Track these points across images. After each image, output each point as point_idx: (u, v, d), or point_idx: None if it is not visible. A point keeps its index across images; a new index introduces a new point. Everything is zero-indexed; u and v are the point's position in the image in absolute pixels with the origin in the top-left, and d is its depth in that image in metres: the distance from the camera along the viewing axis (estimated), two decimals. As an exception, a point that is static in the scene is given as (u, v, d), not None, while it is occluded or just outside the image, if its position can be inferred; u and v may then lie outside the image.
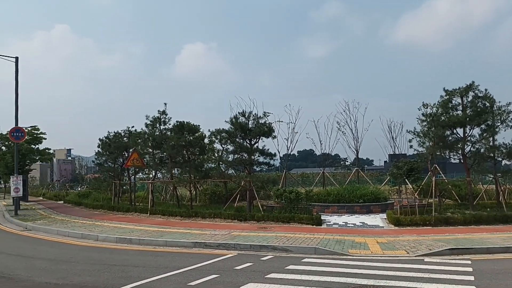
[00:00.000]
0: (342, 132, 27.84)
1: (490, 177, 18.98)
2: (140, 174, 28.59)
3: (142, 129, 23.40)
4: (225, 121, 19.44)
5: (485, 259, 9.92)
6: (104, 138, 26.18)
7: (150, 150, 23.11)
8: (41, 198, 43.81)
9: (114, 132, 25.89)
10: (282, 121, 24.08)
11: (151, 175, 25.01)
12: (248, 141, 19.27)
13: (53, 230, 16.08)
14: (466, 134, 17.42)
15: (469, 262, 9.49)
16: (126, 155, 24.56)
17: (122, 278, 8.06)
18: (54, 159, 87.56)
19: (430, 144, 17.73)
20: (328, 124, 28.51)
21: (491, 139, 17.62)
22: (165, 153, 22.11)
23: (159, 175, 25.68)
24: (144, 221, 18.04)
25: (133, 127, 25.21)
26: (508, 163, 23.45)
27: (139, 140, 23.71)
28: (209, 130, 21.04)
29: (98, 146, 26.61)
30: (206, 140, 22.09)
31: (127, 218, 19.70)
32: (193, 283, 7.56)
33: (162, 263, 9.68)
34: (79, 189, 48.13)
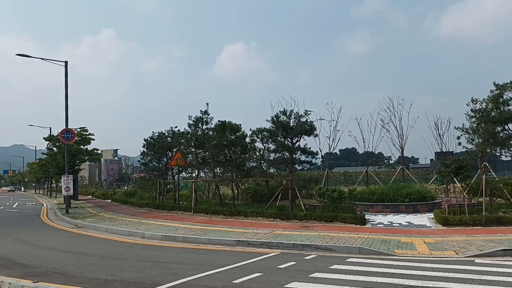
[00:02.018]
0: (386, 129, 27.09)
1: (546, 175, 17.98)
2: (184, 173, 29.11)
3: (185, 129, 23.85)
4: (266, 120, 19.45)
5: (542, 261, 9.41)
6: (148, 138, 26.84)
7: (193, 149, 23.48)
8: (90, 196, 45.57)
9: (158, 132, 26.51)
10: (323, 119, 23.73)
11: (194, 174, 25.45)
12: (289, 140, 19.19)
13: (102, 228, 16.67)
14: (519, 130, 16.59)
15: (524, 264, 9.03)
16: (170, 154, 25.08)
17: (168, 275, 8.24)
18: (102, 159, 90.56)
19: (480, 140, 17.03)
20: (371, 121, 27.89)
21: (546, 135, 16.70)
22: (207, 153, 22.41)
23: (201, 174, 26.05)
24: (187, 219, 18.37)
25: (176, 127, 25.74)
26: None
27: (182, 140, 24.16)
28: (250, 129, 21.10)
29: (143, 146, 27.31)
30: (247, 139, 22.20)
31: (171, 216, 20.14)
32: (237, 281, 7.62)
33: (206, 261, 9.82)
34: (126, 188, 49.62)
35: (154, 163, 27.25)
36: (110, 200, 35.05)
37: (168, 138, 25.92)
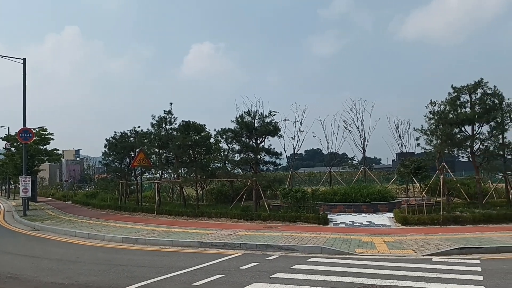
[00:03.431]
0: (349, 131, 27.62)
1: (500, 175, 18.77)
2: (147, 174, 28.65)
3: (148, 129, 23.46)
4: (231, 120, 19.42)
5: (495, 259, 9.77)
6: (110, 139, 26.25)
7: (157, 150, 23.14)
8: (50, 198, 44.13)
9: (121, 132, 25.99)
10: (288, 120, 23.96)
11: (157, 175, 25.05)
12: (254, 140, 19.21)
13: (60, 230, 16.15)
14: (475, 132, 17.23)
15: (478, 261, 9.35)
16: (133, 155, 24.61)
17: (127, 278, 8.04)
18: (63, 160, 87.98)
19: (438, 142, 17.56)
20: (334, 123, 28.30)
21: (500, 136, 17.42)
22: (171, 153, 22.13)
23: (165, 175, 25.70)
24: (150, 221, 18.05)
25: (139, 127, 25.29)
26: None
27: (145, 140, 23.75)
28: (215, 130, 21.00)
29: (105, 147, 26.69)
30: (212, 140, 22.05)
31: (133, 218, 19.74)
32: (198, 283, 7.52)
33: (167, 263, 9.65)
34: (87, 189, 48.40)
35: (116, 163, 26.68)
36: (70, 202, 34.06)
37: (131, 139, 25.43)
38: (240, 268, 8.87)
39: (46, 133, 35.38)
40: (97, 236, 14.34)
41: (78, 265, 9.61)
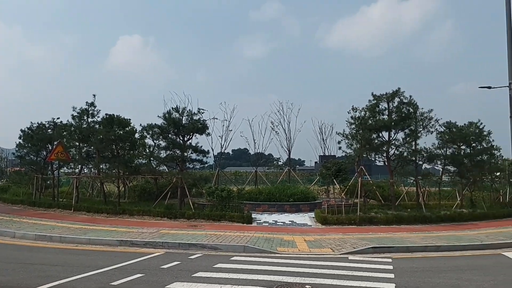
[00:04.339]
0: (276, 132, 28.22)
1: (412, 179, 20.16)
2: (65, 168, 27.09)
3: (68, 121, 22.20)
4: (158, 116, 19.00)
5: (405, 258, 10.48)
6: (26, 129, 24.48)
7: (77, 143, 21.96)
8: (-48, 192, 40.20)
9: (38, 123, 24.32)
10: (217, 119, 23.89)
11: (77, 170, 23.82)
12: (181, 138, 18.95)
13: (-38, 227, 14.77)
14: (391, 138, 18.34)
15: (390, 260, 9.97)
16: (50, 148, 23.17)
17: (39, 278, 7.54)
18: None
19: (358, 146, 18.47)
20: (262, 123, 28.81)
21: (413, 143, 18.71)
22: (92, 147, 21.13)
23: (85, 170, 24.52)
24: (67, 218, 17.12)
25: (58, 118, 23.83)
26: (428, 166, 25.09)
27: (64, 133, 22.43)
28: (141, 125, 20.38)
29: (20, 138, 24.84)
30: (137, 135, 21.37)
31: (49, 214, 18.58)
32: (115, 283, 7.25)
33: (84, 262, 9.21)
34: (-2, 182, 44.79)
35: (32, 156, 24.96)
36: (-24, 196, 31.28)
37: (49, 130, 23.92)
38: (161, 267, 8.70)
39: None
40: (7, 232, 13.31)
41: (-17, 265, 8.86)
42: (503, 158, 22.87)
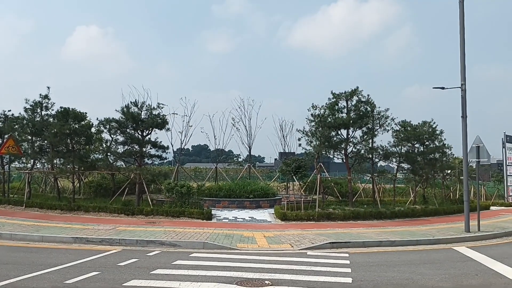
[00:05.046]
0: (237, 128, 28.20)
1: (368, 176, 20.66)
2: (17, 163, 25.92)
3: (20, 114, 21.23)
4: (116, 110, 18.52)
5: (361, 252, 10.74)
6: (-27, 122, 23.23)
7: (29, 137, 21.04)
8: None
9: (-14, 116, 23.11)
10: (177, 114, 23.61)
11: (29, 165, 22.85)
12: (140, 133, 18.56)
13: None
14: (349, 136, 18.71)
15: (347, 255, 10.19)
16: (1, 141, 22.09)
17: (-14, 278, 7.18)
18: None
19: (317, 143, 18.71)
20: (223, 119, 28.56)
21: (370, 141, 19.17)
22: (46, 141, 20.31)
23: (38, 164, 23.56)
24: (18, 215, 16.39)
25: (9, 110, 22.70)
26: (383, 164, 25.87)
27: (16, 126, 21.44)
28: (97, 119, 19.78)
29: (-34, 130, 23.55)
30: (93, 129, 20.73)
31: (-3, 211, 17.74)
32: (70, 281, 7.01)
33: (36, 260, 8.85)
34: None
35: (-21, 150, 23.72)
36: None
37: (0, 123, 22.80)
38: (118, 264, 8.50)
39: None
40: (-50, 231, 12.59)
41: None
42: (454, 156, 23.90)
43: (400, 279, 7.66)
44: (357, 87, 18.43)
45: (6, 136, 21.03)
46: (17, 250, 10.23)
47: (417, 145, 20.93)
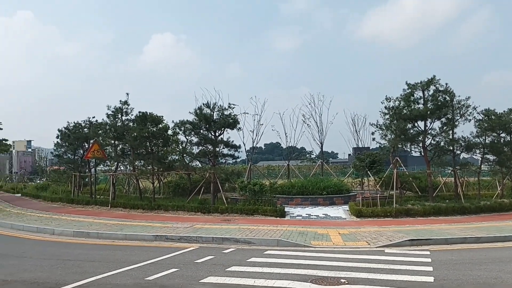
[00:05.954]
0: (307, 125, 28.00)
1: (449, 169, 19.49)
2: (102, 166, 27.77)
3: (103, 119, 22.74)
4: (189, 112, 19.14)
5: (444, 250, 10.13)
6: (63, 129, 25.27)
7: (112, 141, 22.46)
8: (-2, 190, 42.04)
9: (74, 122, 25.04)
10: (247, 113, 23.94)
11: (113, 167, 24.37)
12: (212, 133, 19.02)
13: (6, 224, 15.37)
14: (427, 127, 17.78)
15: (428, 252, 9.66)
16: (87, 146, 23.81)
17: (76, 274, 7.72)
18: (13, 151, 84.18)
19: (392, 137, 17.98)
20: (293, 117, 28.48)
21: (450, 132, 18.06)
22: (127, 145, 21.56)
23: (121, 167, 25.05)
24: (104, 214, 17.54)
25: (94, 117, 24.44)
26: (466, 156, 24.26)
27: (100, 131, 22.99)
28: (173, 122, 20.60)
29: (57, 137, 25.70)
30: (169, 132, 21.65)
31: (86, 211, 19.11)
32: (151, 278, 7.33)
33: (120, 257, 9.37)
34: (39, 181, 46.48)
35: (69, 155, 25.76)
36: (19, 195, 32.55)
37: (85, 129, 24.57)
38: (195, 261, 8.74)
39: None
40: (46, 230, 13.76)
41: (23, 260, 9.16)
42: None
43: (487, 278, 7.10)
44: (434, 76, 17.46)
45: (91, 141, 22.62)
46: (103, 248, 10.91)
47: (503, 135, 19.39)
